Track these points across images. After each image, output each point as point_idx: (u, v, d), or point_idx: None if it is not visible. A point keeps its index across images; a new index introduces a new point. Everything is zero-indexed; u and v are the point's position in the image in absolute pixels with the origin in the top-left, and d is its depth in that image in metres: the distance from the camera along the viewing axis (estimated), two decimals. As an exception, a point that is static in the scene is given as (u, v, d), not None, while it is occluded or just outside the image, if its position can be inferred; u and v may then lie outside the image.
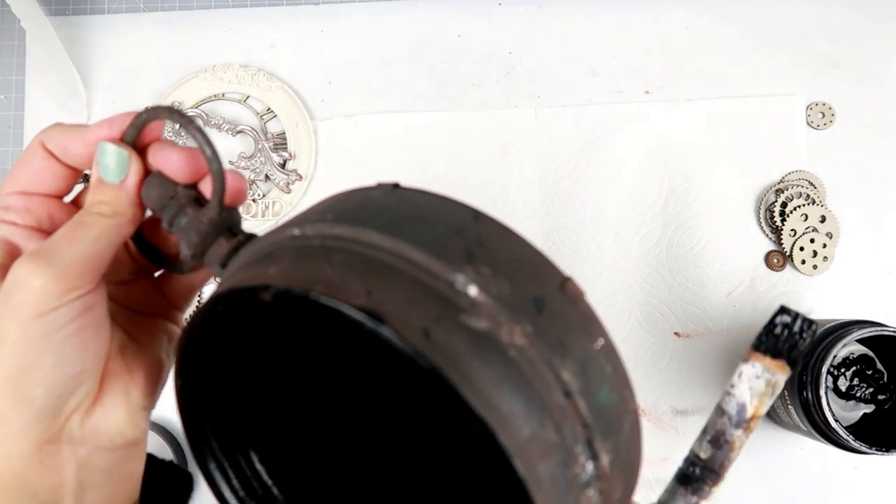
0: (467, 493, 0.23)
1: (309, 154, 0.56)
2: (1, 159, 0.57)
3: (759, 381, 0.24)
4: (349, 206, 0.21)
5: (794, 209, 0.53)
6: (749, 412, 0.24)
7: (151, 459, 0.49)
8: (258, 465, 0.24)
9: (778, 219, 0.53)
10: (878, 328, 0.43)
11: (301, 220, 0.21)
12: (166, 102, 0.56)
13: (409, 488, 0.25)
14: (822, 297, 0.53)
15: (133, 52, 0.58)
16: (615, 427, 0.19)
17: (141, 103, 0.57)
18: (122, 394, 0.24)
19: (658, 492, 0.55)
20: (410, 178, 0.47)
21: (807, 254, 0.53)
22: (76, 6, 0.59)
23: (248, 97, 0.57)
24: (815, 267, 0.53)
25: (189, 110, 0.56)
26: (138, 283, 0.28)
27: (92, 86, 0.57)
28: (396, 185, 0.22)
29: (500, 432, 0.16)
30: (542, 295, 0.19)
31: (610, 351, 0.19)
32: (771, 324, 0.24)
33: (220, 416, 0.24)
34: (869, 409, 0.47)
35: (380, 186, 0.22)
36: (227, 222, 0.24)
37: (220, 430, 0.24)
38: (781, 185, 0.54)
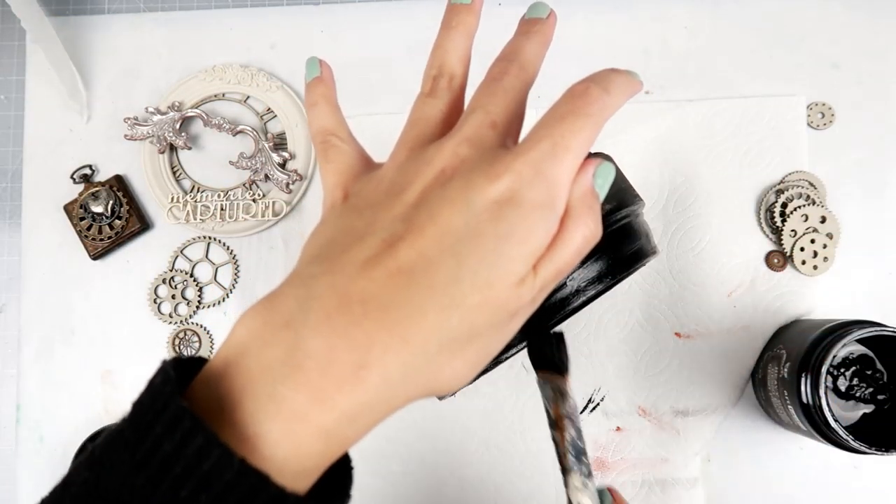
0: None
1: (309, 154, 0.56)
2: (1, 159, 0.58)
3: (546, 388, 0.31)
4: None
5: (795, 210, 0.53)
6: (553, 414, 0.30)
7: None
8: None
9: (778, 219, 0.53)
10: (878, 328, 0.43)
11: None
12: (166, 102, 0.56)
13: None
14: (822, 297, 0.53)
15: (133, 52, 0.58)
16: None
17: (141, 103, 0.57)
18: None
19: (658, 492, 0.55)
20: (410, 179, 0.47)
21: (807, 254, 0.53)
22: (76, 6, 0.59)
23: (248, 97, 0.57)
24: (815, 267, 0.53)
25: (189, 110, 0.56)
26: None
27: (92, 86, 0.57)
28: None
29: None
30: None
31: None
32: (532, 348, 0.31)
33: None
34: (869, 409, 0.47)
35: None
36: None
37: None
38: (782, 186, 0.54)
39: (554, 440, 0.30)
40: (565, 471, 0.30)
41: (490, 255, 0.22)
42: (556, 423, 0.30)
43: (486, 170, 0.23)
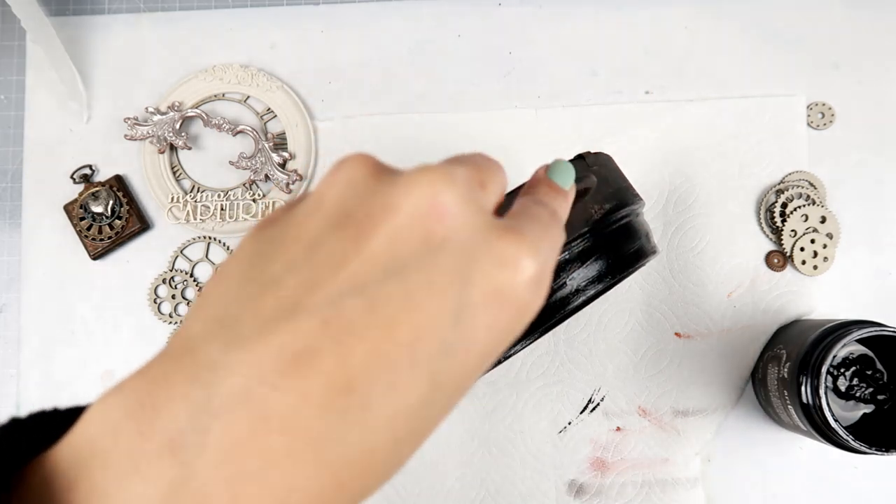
0: None
1: (309, 154, 0.56)
2: (1, 160, 0.58)
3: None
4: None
5: (795, 210, 0.53)
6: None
7: None
8: None
9: (778, 219, 0.53)
10: (878, 328, 0.43)
11: None
12: (166, 102, 0.56)
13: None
14: (822, 297, 0.53)
15: (133, 52, 0.58)
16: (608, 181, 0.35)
17: (141, 103, 0.57)
18: None
19: (658, 492, 0.55)
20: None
21: (807, 254, 0.53)
22: (76, 6, 0.59)
23: (248, 97, 0.57)
24: (815, 267, 0.53)
25: (189, 110, 0.56)
26: None
27: (92, 86, 0.57)
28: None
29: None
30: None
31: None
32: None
33: None
34: (869, 409, 0.47)
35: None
36: None
37: None
38: (782, 186, 0.54)
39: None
40: None
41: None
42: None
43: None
